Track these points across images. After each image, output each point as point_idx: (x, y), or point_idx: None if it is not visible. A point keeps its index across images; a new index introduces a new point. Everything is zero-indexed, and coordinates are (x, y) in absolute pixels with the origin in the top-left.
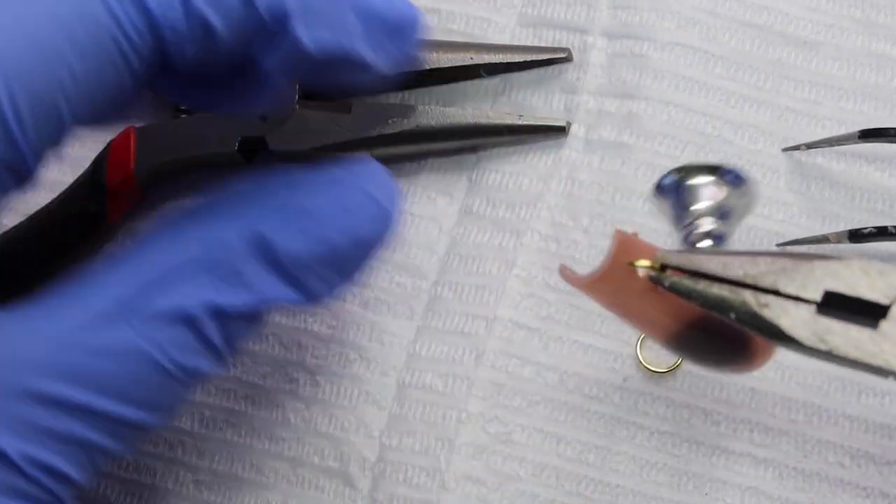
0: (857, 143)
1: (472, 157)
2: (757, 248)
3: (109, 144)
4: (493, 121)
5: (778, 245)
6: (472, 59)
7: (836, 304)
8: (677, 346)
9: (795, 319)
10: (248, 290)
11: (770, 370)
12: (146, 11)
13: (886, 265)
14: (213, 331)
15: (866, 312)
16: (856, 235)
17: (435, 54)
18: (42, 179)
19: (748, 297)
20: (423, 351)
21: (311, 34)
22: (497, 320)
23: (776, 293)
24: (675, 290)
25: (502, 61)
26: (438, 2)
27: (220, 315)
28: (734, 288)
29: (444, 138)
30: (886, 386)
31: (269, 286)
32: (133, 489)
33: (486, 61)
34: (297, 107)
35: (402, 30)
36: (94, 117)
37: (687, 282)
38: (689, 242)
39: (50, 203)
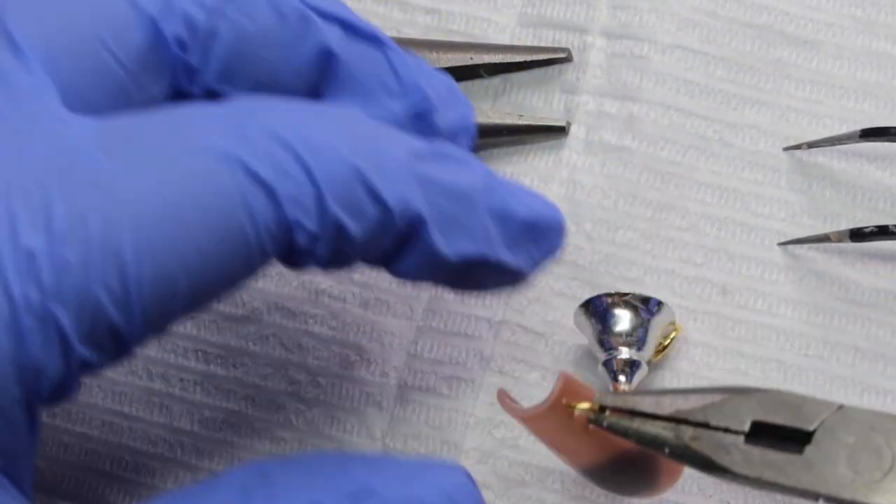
0: (858, 142)
1: None
2: (757, 249)
3: None
4: (493, 121)
5: (780, 244)
6: (471, 59)
7: (764, 433)
8: (596, 475)
9: (725, 451)
10: None
11: (773, 371)
12: (281, 216)
13: (807, 396)
14: None
15: (792, 439)
16: (857, 234)
17: (435, 54)
18: None
19: (680, 432)
20: (424, 352)
21: (447, 241)
22: (503, 324)
23: (706, 426)
24: (613, 429)
25: (502, 61)
26: (438, 2)
27: None
28: (667, 424)
29: None
30: (889, 384)
31: None
32: (132, 489)
33: (486, 61)
34: None
35: (543, 232)
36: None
37: (624, 421)
38: (609, 367)
39: None
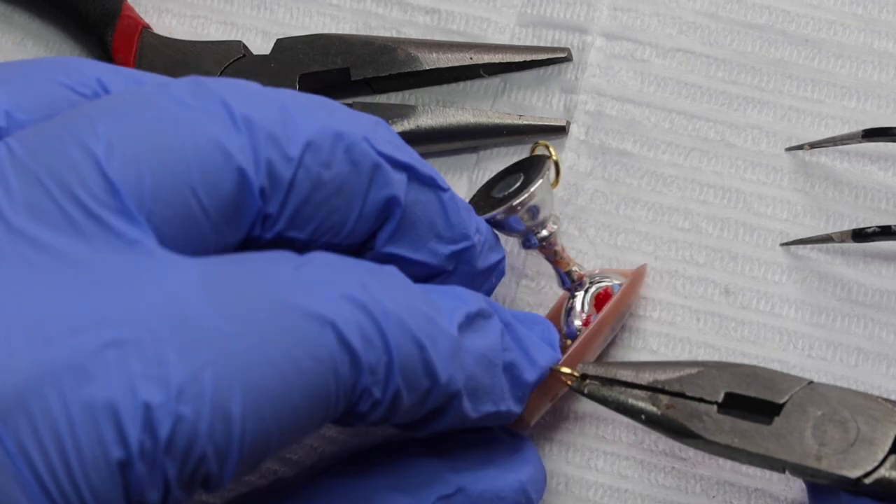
0: (860, 142)
1: (472, 157)
2: (760, 249)
3: None
4: (493, 120)
5: (782, 245)
6: (471, 58)
7: (736, 405)
8: None
9: (699, 419)
10: None
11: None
12: (358, 383)
13: (779, 371)
14: None
15: (762, 411)
16: (860, 235)
17: (435, 54)
18: None
19: (657, 400)
20: None
21: (473, 406)
22: None
23: (682, 396)
24: (591, 396)
25: (502, 61)
26: (438, 2)
27: None
28: (645, 393)
29: (444, 138)
30: (892, 385)
31: None
32: None
33: (486, 61)
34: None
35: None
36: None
37: (604, 389)
38: (533, 244)
39: None
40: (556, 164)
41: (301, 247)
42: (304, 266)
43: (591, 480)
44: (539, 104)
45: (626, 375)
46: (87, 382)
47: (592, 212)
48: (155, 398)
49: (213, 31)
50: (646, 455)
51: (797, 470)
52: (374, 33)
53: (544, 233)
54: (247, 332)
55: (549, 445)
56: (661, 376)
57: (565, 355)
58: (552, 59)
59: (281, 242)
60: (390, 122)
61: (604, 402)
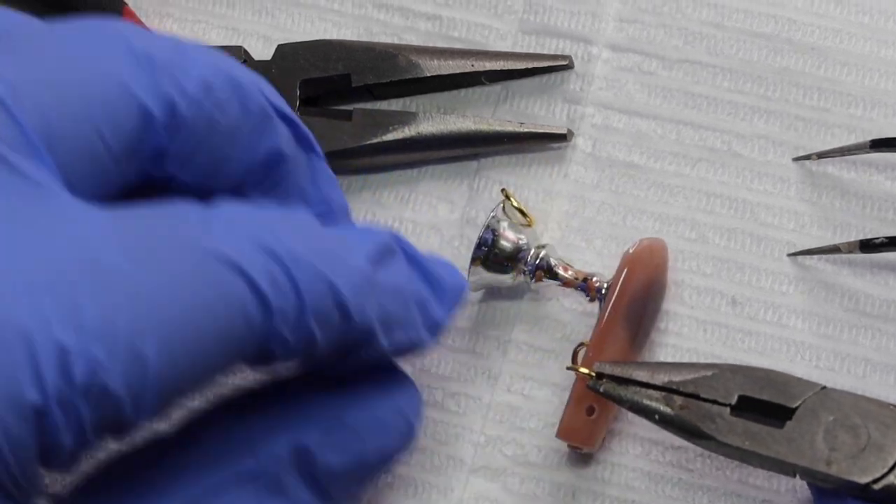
0: (868, 152)
1: (472, 164)
2: (767, 260)
3: None
4: (494, 128)
5: (789, 255)
6: (472, 66)
7: (749, 407)
8: None
9: (712, 420)
10: (287, 501)
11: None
12: (269, 326)
13: (793, 376)
14: None
15: (775, 414)
16: (867, 245)
17: (436, 61)
18: None
19: (671, 401)
20: (431, 367)
21: (388, 339)
22: (511, 343)
23: (696, 397)
24: (607, 395)
25: (503, 68)
26: (440, 8)
27: None
28: (659, 394)
29: (444, 145)
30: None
31: (304, 498)
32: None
33: (488, 68)
34: (298, 113)
35: (454, 306)
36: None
37: (618, 388)
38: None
39: None
40: (517, 208)
41: (188, 191)
42: (212, 212)
43: (597, 491)
44: (541, 112)
45: (642, 375)
46: (1, 326)
47: (599, 223)
48: (70, 341)
49: (215, 36)
50: (653, 466)
51: (807, 474)
52: (376, 39)
53: (532, 257)
54: (158, 275)
55: (556, 457)
56: (676, 377)
57: (580, 357)
58: (554, 67)
59: (172, 188)
60: (391, 128)
61: (619, 400)
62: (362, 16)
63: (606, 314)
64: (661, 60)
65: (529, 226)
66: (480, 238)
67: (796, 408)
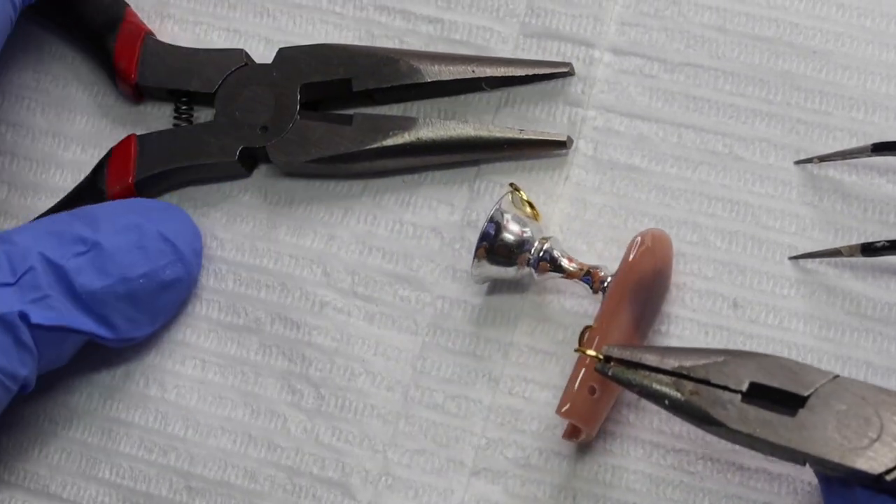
0: (870, 156)
1: (472, 170)
2: (768, 263)
3: (110, 151)
4: (495, 134)
5: (791, 258)
6: (473, 71)
7: (760, 395)
8: None
9: (722, 406)
10: (55, 312)
11: None
12: None
13: (805, 364)
14: (27, 337)
15: (786, 402)
16: (869, 249)
17: (437, 66)
18: (43, 184)
19: (681, 386)
20: (431, 369)
21: None
22: (512, 346)
23: (707, 383)
24: (616, 378)
25: (504, 74)
26: (441, 11)
27: (33, 326)
28: (669, 378)
29: (445, 151)
30: None
31: (73, 316)
32: (128, 496)
33: (488, 74)
34: (299, 117)
35: None
36: None
37: (628, 372)
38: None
39: (51, 209)
40: (526, 200)
41: None
42: None
43: (599, 494)
44: (542, 116)
45: (651, 360)
46: None
47: (601, 227)
48: None
49: (216, 38)
50: (654, 469)
51: (817, 462)
52: (377, 42)
53: (536, 250)
54: None
55: (557, 459)
56: (687, 362)
57: (586, 339)
58: (555, 74)
59: None
60: (391, 133)
61: (628, 384)
62: (364, 18)
63: (613, 292)
64: (663, 64)
65: (536, 219)
66: (484, 229)
67: (808, 396)
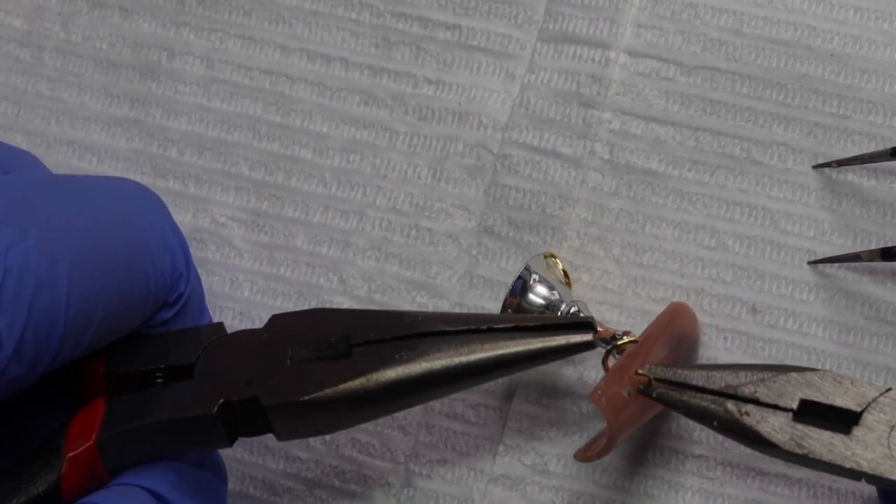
0: (889, 160)
1: (489, 172)
2: (787, 268)
3: (74, 415)
4: (514, 349)
5: (809, 263)
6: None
7: (812, 412)
8: None
9: (774, 426)
10: None
11: None
12: None
13: (855, 378)
14: None
15: (840, 419)
16: (888, 253)
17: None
18: None
19: (729, 406)
20: None
21: None
22: None
23: (756, 402)
24: (661, 400)
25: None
26: (459, 17)
27: None
28: (716, 398)
29: (457, 379)
30: None
31: None
32: None
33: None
34: (290, 362)
35: None
36: None
37: (673, 393)
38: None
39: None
40: (563, 270)
41: None
42: None
43: (617, 500)
44: (557, 118)
45: (697, 379)
46: None
47: (618, 231)
48: None
49: (231, 46)
50: (672, 475)
51: (874, 480)
52: (394, 49)
53: (563, 313)
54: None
55: (575, 465)
56: (734, 381)
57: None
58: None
59: None
60: (396, 357)
61: (674, 406)
62: (380, 25)
63: (649, 332)
64: (680, 66)
65: (568, 286)
66: (511, 287)
67: (862, 412)
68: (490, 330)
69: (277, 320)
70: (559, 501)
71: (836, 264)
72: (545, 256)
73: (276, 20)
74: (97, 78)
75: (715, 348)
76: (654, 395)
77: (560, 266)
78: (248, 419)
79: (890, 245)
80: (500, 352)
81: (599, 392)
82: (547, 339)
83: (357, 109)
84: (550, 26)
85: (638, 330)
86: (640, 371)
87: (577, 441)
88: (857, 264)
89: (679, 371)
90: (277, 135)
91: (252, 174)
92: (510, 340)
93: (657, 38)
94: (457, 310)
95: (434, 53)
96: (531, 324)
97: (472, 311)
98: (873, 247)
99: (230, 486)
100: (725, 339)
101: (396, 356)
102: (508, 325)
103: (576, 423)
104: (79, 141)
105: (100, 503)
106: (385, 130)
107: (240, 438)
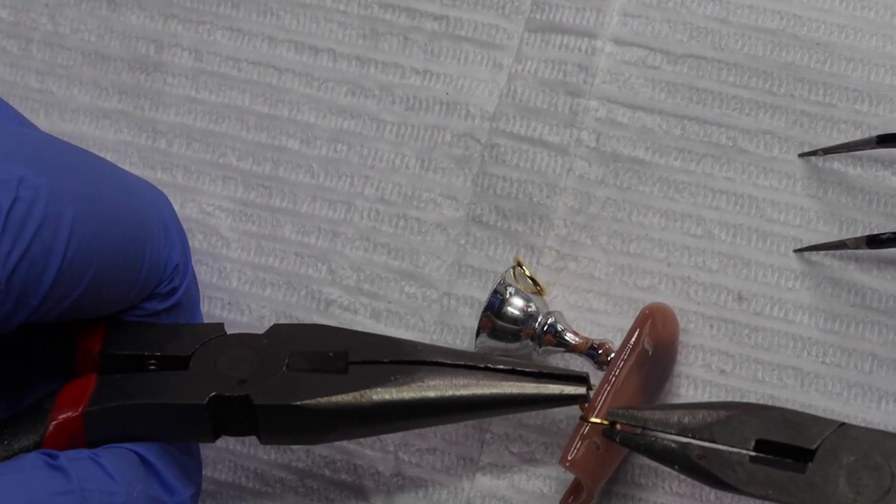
0: (874, 148)
1: (476, 161)
2: (773, 256)
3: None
4: (509, 391)
5: (795, 251)
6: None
7: (767, 450)
8: None
9: (731, 469)
10: None
11: (790, 378)
12: None
13: (809, 414)
14: None
15: (795, 456)
16: (874, 241)
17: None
18: None
19: (688, 449)
20: None
21: None
22: None
23: (713, 442)
24: (625, 443)
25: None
26: (447, 8)
27: None
28: (677, 440)
29: (448, 410)
30: None
31: None
32: None
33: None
34: (286, 368)
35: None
36: None
37: (636, 436)
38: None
39: None
40: (529, 277)
41: None
42: None
43: (605, 488)
44: (544, 107)
45: (656, 421)
46: None
47: (604, 220)
48: None
49: (219, 37)
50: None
51: None
52: (382, 39)
53: (540, 324)
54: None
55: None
56: (691, 422)
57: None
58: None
59: None
60: (392, 378)
61: (636, 448)
62: (368, 16)
63: (615, 364)
64: (666, 55)
65: (540, 294)
66: (487, 304)
67: (816, 448)
68: (487, 369)
69: (278, 329)
70: (546, 489)
71: (822, 252)
72: (514, 266)
73: (264, 12)
74: (86, 70)
75: (701, 336)
76: (617, 440)
77: (527, 273)
78: (236, 417)
79: (876, 232)
80: (493, 390)
81: (570, 458)
82: (541, 385)
83: (345, 100)
84: (537, 16)
85: (618, 339)
86: (599, 420)
87: (564, 429)
88: (842, 252)
89: (638, 414)
90: (265, 125)
91: (240, 164)
92: (505, 381)
93: (643, 26)
94: (445, 300)
95: (421, 44)
96: (528, 369)
97: (460, 300)
98: (859, 234)
99: (222, 476)
100: (712, 326)
101: (392, 378)
102: (505, 367)
103: (562, 411)
104: (68, 133)
105: (90, 456)
106: (372, 120)
107: (223, 436)
